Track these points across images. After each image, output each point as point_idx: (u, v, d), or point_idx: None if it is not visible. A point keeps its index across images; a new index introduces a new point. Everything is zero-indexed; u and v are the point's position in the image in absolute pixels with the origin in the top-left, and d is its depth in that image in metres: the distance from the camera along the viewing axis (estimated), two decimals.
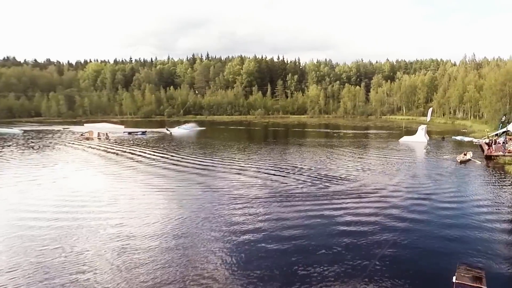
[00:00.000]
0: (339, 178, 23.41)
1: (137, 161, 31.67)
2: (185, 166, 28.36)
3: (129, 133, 59.55)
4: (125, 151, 37.81)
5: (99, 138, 51.21)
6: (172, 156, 34.12)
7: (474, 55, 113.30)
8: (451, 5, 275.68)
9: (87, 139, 50.79)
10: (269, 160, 31.52)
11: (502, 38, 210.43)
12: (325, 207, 16.71)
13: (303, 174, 24.77)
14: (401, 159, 31.98)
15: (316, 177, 23.41)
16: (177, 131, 62.90)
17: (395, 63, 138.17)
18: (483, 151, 34.95)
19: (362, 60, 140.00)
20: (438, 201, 18.02)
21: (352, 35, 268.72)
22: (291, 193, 19.41)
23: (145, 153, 36.47)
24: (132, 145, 43.23)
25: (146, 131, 60.70)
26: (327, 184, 21.55)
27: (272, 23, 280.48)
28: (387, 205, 17.03)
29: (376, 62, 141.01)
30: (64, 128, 71.03)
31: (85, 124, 79.46)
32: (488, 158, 31.80)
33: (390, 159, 31.97)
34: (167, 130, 61.89)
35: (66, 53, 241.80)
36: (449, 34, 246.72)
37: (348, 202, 17.62)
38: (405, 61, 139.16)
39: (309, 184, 21.64)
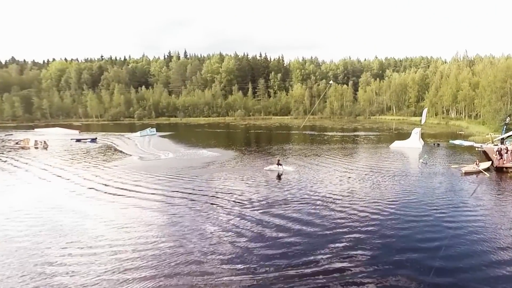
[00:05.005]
0: (313, 211, 16.09)
1: (60, 177, 24.67)
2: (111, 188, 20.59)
3: (77, 140, 51.71)
4: (54, 166, 29.81)
5: (36, 147, 43.51)
6: (102, 172, 26.04)
7: (466, 52, 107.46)
8: (439, 1, 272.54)
9: (23, 148, 43.35)
10: (230, 186, 22.42)
11: (494, 35, 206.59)
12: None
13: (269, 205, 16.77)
14: (394, 174, 24.53)
15: (284, 211, 16.01)
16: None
17: (384, 61, 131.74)
18: (489, 159, 28.57)
19: (350, 58, 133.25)
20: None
21: (340, 33, 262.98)
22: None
23: (76, 168, 28.51)
24: (69, 156, 35.38)
25: (96, 138, 52.30)
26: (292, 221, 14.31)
27: (261, 22, 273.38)
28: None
29: (365, 59, 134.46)
30: (6, 135, 61.43)
31: (35, 129, 71.50)
32: (499, 170, 25.18)
33: (380, 174, 24.47)
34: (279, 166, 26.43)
35: (41, 53, 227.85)
36: (439, 31, 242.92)
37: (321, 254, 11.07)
38: (394, 58, 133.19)
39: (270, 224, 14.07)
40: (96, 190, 20.42)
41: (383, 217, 15.19)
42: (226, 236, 12.91)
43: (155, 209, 16.58)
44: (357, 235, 12.90)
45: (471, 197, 18.39)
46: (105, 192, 19.85)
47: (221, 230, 13.62)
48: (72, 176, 24.91)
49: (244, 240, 12.59)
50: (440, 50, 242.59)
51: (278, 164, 25.91)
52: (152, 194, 19.49)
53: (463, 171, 24.49)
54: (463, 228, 13.78)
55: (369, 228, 13.76)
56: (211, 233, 13.36)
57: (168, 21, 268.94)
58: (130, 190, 20.16)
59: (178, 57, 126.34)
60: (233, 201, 17.88)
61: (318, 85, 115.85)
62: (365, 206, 16.75)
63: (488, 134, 44.28)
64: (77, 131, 65.69)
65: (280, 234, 13.10)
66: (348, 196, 18.68)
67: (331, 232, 13.35)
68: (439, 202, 17.36)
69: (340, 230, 13.59)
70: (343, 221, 14.71)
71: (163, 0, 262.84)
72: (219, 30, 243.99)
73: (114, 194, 19.41)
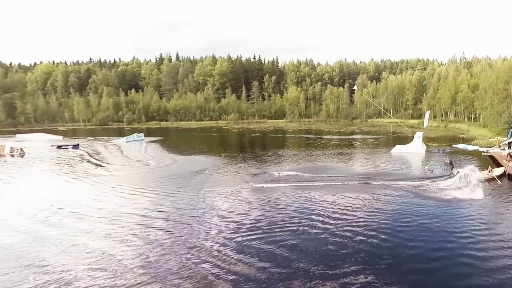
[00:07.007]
0: (312, 230, 13.71)
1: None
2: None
3: (58, 146, 48.59)
4: (26, 176, 27.59)
5: (12, 155, 40.94)
6: (77, 184, 23.83)
7: (464, 53, 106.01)
8: (434, 3, 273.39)
9: None
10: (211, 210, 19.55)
11: (490, 37, 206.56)
12: None
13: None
14: (399, 183, 21.81)
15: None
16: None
17: (380, 63, 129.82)
18: (497, 164, 27.02)
19: (346, 60, 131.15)
20: None
21: (335, 35, 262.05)
22: None
23: (49, 178, 26.33)
24: (44, 165, 32.69)
25: (78, 144, 48.98)
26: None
27: (255, 25, 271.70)
28: None
29: (360, 62, 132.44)
30: None
31: (17, 135, 68.43)
32: None
33: (384, 184, 21.64)
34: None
35: (28, 55, 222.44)
36: (435, 33, 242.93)
37: None
38: (390, 60, 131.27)
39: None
40: (68, 203, 18.35)
41: (397, 243, 12.55)
42: (218, 257, 11.57)
43: (133, 225, 14.65)
44: (369, 277, 10.06)
45: (496, 215, 16.04)
46: (78, 206, 17.87)
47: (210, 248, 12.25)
48: (43, 188, 22.66)
49: (241, 261, 11.27)
50: (436, 52, 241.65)
51: (450, 164, 24.67)
52: (130, 208, 17.09)
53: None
54: (494, 258, 11.36)
55: (383, 261, 11.04)
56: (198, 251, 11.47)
57: (161, 24, 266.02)
58: (106, 203, 18.15)
59: (170, 60, 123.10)
60: (223, 217, 15.50)
61: (314, 87, 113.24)
62: (373, 228, 13.98)
63: (494, 138, 42.00)
64: (61, 137, 62.76)
65: (277, 258, 11.43)
66: (351, 214, 15.84)
67: (333, 269, 10.55)
68: (458, 222, 14.85)
69: (349, 265, 10.77)
70: (348, 244, 12.22)
71: (157, 2, 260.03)
72: (213, 33, 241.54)
73: (90, 207, 17.45)
